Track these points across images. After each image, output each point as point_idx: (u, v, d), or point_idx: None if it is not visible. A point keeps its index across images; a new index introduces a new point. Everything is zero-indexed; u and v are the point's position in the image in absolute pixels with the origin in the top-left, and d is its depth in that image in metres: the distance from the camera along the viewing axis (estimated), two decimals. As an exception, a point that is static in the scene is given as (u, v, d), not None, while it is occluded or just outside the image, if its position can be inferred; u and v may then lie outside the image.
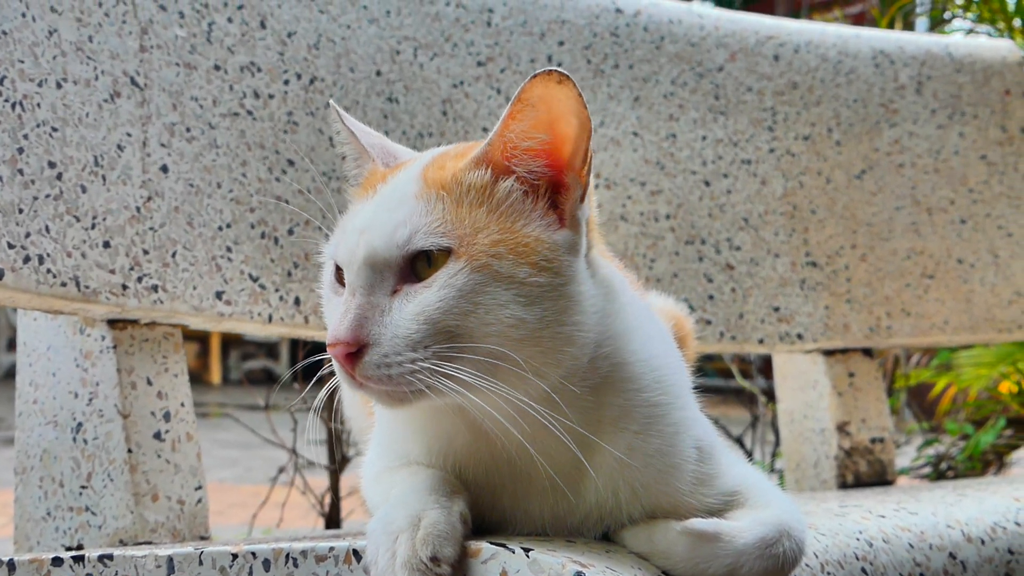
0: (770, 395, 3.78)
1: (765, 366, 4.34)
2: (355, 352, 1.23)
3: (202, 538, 1.93)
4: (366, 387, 1.24)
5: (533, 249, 1.25)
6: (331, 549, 1.25)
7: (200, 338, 15.72)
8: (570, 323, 1.26)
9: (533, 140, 1.27)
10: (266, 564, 1.28)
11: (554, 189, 1.29)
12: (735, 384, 4.44)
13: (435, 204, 1.27)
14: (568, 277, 1.27)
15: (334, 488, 3.62)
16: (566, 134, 1.27)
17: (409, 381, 1.22)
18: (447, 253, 1.24)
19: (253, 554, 1.30)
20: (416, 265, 1.26)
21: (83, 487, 1.88)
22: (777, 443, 4.04)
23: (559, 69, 1.23)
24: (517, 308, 1.23)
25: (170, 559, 1.34)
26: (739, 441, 4.36)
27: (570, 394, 1.27)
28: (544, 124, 1.26)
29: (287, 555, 1.27)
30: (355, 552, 1.24)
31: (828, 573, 1.50)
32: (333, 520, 3.65)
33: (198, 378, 15.40)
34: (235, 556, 1.31)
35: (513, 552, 1.16)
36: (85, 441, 1.89)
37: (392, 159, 1.43)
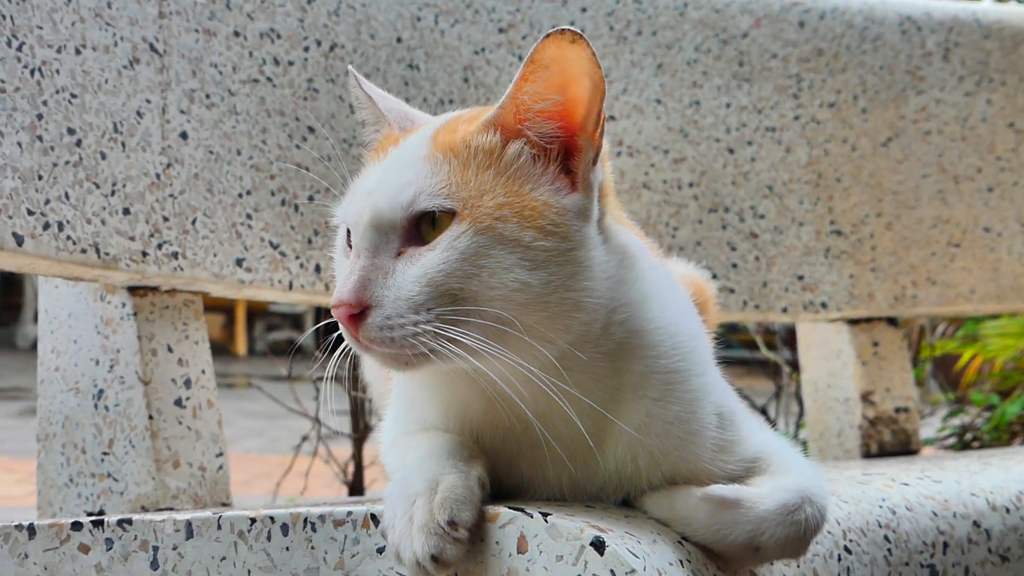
0: (795, 366, 3.76)
1: (790, 337, 4.32)
2: (358, 314, 1.22)
3: (224, 505, 1.93)
4: (370, 350, 1.24)
5: (540, 213, 1.23)
6: (349, 513, 1.25)
7: (225, 309, 15.79)
8: (578, 289, 1.24)
9: (546, 102, 1.25)
10: (284, 528, 1.28)
11: (566, 152, 1.27)
12: (760, 355, 4.43)
13: (441, 166, 1.26)
14: (576, 242, 1.25)
15: (357, 457, 3.63)
16: (579, 96, 1.25)
17: (411, 344, 1.21)
18: (451, 215, 1.23)
19: (271, 518, 1.29)
20: (421, 228, 1.25)
21: (105, 454, 1.88)
22: (801, 414, 4.02)
23: (572, 28, 1.21)
24: (522, 272, 1.21)
25: (189, 523, 1.34)
26: (763, 412, 4.35)
27: (581, 361, 1.26)
28: (557, 86, 1.24)
29: (305, 519, 1.27)
30: (373, 516, 1.23)
31: (850, 540, 1.49)
32: (356, 488, 3.66)
33: (224, 349, 15.47)
34: (253, 520, 1.30)
35: (531, 516, 1.16)
36: (107, 408, 1.89)
37: (409, 123, 1.42)
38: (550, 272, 1.22)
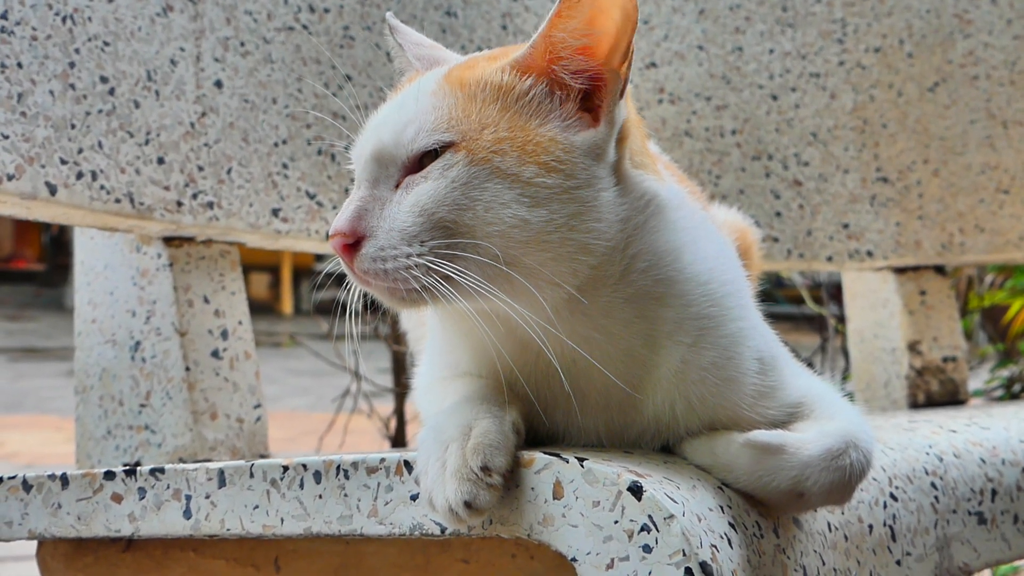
0: (841, 320, 3.73)
1: (835, 291, 4.29)
2: (353, 244, 1.22)
3: (262, 456, 1.92)
4: (367, 283, 1.23)
5: (544, 148, 1.20)
6: (382, 460, 1.23)
7: (272, 268, 15.86)
8: (583, 230, 1.20)
9: (575, 38, 1.22)
10: (317, 476, 1.26)
11: (591, 88, 1.24)
12: (806, 310, 4.40)
13: (446, 100, 1.24)
14: (583, 181, 1.21)
15: (399, 411, 3.63)
16: (607, 28, 1.21)
17: (404, 277, 1.19)
18: (450, 147, 1.21)
19: (304, 466, 1.28)
20: (424, 163, 1.23)
21: (142, 405, 1.87)
22: (847, 368, 3.99)
23: None
24: (520, 208, 1.18)
25: (221, 472, 1.33)
26: (808, 365, 4.31)
27: (601, 306, 1.23)
28: (588, 19, 1.20)
29: (338, 467, 1.25)
30: (406, 463, 1.21)
31: (896, 487, 1.46)
32: (399, 443, 3.66)
33: (271, 308, 15.56)
34: (286, 468, 1.29)
35: (567, 462, 1.13)
36: (143, 359, 1.88)
37: (436, 66, 1.40)
38: (551, 210, 1.19)
